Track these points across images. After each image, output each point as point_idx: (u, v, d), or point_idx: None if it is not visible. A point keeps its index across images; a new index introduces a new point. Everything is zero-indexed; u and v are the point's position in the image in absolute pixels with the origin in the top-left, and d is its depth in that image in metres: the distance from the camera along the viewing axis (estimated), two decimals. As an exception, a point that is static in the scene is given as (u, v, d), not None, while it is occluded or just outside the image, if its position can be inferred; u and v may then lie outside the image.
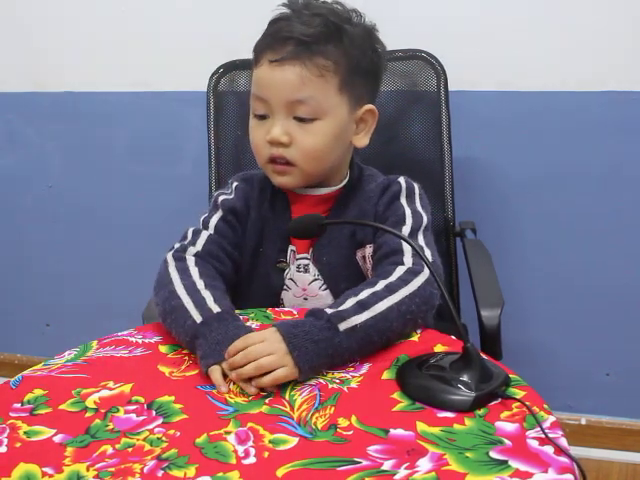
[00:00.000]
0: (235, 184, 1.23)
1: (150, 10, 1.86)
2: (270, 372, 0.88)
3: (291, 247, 1.18)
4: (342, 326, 0.92)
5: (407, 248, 1.06)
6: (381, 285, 0.98)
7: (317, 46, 1.07)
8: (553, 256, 1.74)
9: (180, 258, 1.10)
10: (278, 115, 1.10)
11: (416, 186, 1.19)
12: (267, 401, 0.86)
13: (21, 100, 2.03)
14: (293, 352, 0.88)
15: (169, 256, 1.11)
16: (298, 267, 1.18)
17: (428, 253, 1.07)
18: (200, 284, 1.04)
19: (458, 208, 1.50)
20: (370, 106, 1.16)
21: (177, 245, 1.14)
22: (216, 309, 0.99)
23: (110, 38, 1.91)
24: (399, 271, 1.01)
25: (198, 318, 0.97)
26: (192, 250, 1.12)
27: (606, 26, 1.59)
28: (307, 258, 1.17)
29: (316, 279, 1.17)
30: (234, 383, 0.90)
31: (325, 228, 1.04)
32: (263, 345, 0.89)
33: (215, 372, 0.91)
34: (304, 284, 1.18)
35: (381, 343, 0.95)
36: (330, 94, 1.09)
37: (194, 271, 1.07)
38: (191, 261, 1.10)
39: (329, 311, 0.93)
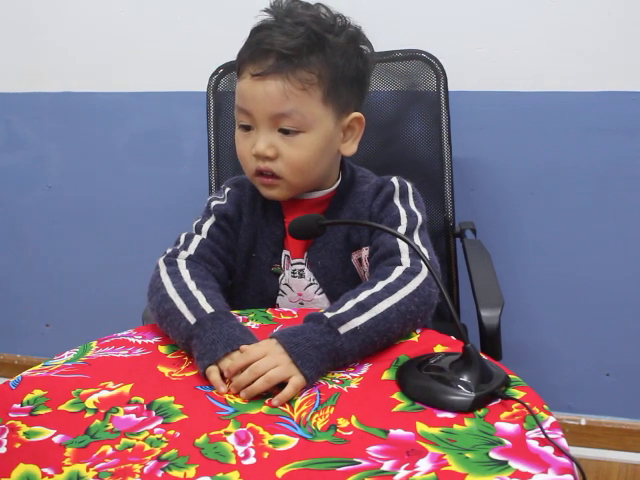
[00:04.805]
0: (227, 189, 1.22)
1: (150, 10, 1.86)
2: (279, 384, 0.87)
3: (285, 252, 1.18)
4: (342, 329, 0.91)
5: (404, 248, 1.05)
6: (380, 286, 0.98)
7: (299, 59, 1.06)
8: (553, 256, 1.74)
9: (171, 262, 1.10)
10: (262, 128, 1.09)
11: (409, 185, 1.19)
12: (267, 401, 0.86)
13: (21, 100, 2.03)
14: (297, 361, 0.88)
15: (160, 261, 1.11)
16: (293, 272, 1.17)
17: (425, 252, 1.06)
18: (192, 285, 1.04)
19: (458, 208, 1.50)
20: (357, 114, 1.14)
21: (169, 250, 1.13)
22: (209, 309, 0.98)
23: (110, 38, 1.91)
24: (397, 271, 1.01)
25: (192, 319, 0.97)
26: (184, 254, 1.12)
27: (605, 26, 1.59)
28: (302, 263, 1.17)
29: (312, 284, 1.17)
30: (231, 381, 0.89)
31: (325, 228, 1.03)
32: (267, 359, 0.88)
33: (213, 373, 0.90)
34: (300, 289, 1.17)
35: (382, 344, 0.95)
36: (314, 106, 1.08)
37: (185, 273, 1.07)
38: (182, 264, 1.09)
39: (328, 315, 0.93)
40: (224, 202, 1.20)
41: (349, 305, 0.95)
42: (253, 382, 0.87)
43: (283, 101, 1.06)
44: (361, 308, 0.94)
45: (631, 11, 1.57)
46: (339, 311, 0.94)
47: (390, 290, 0.97)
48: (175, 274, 1.07)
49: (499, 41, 1.65)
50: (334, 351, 0.90)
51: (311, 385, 0.88)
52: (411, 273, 1.01)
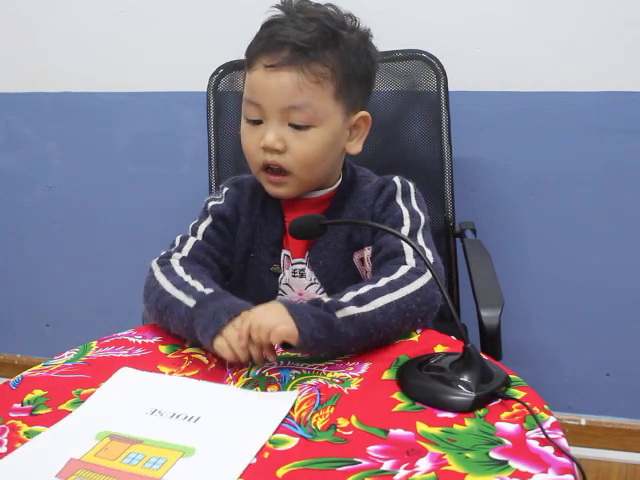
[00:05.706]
0: (225, 189, 1.22)
1: (150, 10, 1.86)
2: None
3: (285, 252, 1.17)
4: (339, 314, 0.92)
5: (408, 249, 1.05)
6: (383, 282, 0.98)
7: (314, 52, 1.06)
8: (553, 256, 1.74)
9: (165, 263, 1.09)
10: (272, 121, 1.08)
11: (411, 185, 1.19)
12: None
13: (21, 100, 2.03)
14: (295, 315, 0.89)
15: (154, 263, 1.10)
16: (294, 272, 1.17)
17: (429, 253, 1.06)
18: (187, 277, 1.04)
19: (458, 208, 1.50)
20: (364, 113, 1.15)
21: (163, 252, 1.13)
22: (208, 291, 0.99)
23: (110, 38, 1.91)
24: (402, 270, 1.01)
25: (192, 303, 0.97)
26: (177, 256, 1.11)
27: (605, 26, 1.59)
28: (303, 262, 1.17)
29: (313, 283, 1.17)
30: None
31: (326, 228, 1.03)
32: (263, 309, 0.91)
33: (218, 339, 0.92)
34: (300, 289, 1.17)
35: (378, 338, 0.95)
36: (326, 101, 1.08)
37: (179, 269, 1.07)
38: (176, 263, 1.09)
39: (326, 299, 0.94)
40: (221, 202, 1.20)
41: (349, 297, 0.95)
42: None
43: (296, 94, 1.06)
44: (359, 300, 0.95)
45: (631, 11, 1.57)
46: (338, 299, 0.95)
47: (392, 287, 0.97)
48: (170, 271, 1.06)
49: (499, 41, 1.65)
50: (330, 326, 0.90)
51: (303, 349, 0.91)
52: (416, 273, 1.00)
